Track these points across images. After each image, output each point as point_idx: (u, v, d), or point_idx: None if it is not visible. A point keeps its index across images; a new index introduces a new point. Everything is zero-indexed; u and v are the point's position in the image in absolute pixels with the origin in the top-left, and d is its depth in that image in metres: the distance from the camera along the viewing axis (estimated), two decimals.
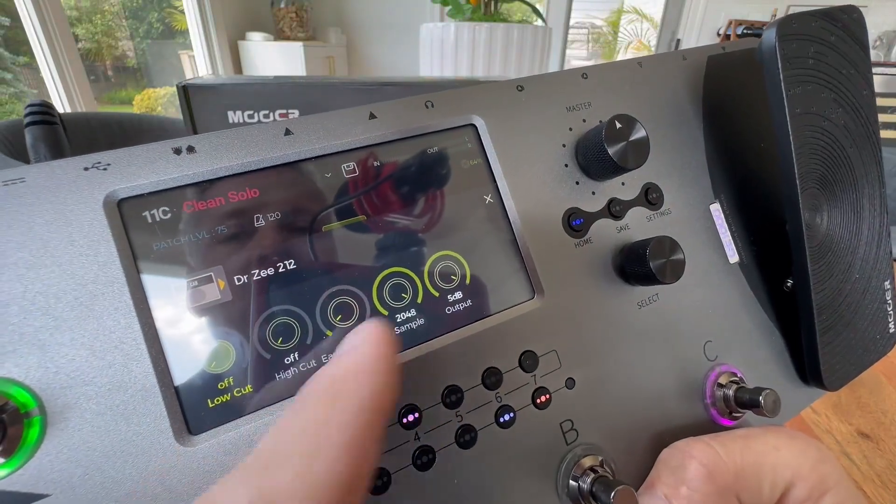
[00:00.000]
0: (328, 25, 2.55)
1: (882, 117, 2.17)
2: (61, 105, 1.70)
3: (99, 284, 0.15)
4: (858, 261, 0.24)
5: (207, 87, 0.43)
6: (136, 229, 0.16)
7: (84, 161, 0.16)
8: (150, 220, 0.16)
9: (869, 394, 0.43)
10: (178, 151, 0.17)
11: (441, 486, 0.17)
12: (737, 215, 0.25)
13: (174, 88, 0.44)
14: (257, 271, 0.17)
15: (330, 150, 0.19)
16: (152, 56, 2.42)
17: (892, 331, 0.26)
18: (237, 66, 2.39)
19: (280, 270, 0.17)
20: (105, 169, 0.16)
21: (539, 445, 0.19)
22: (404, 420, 0.17)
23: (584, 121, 0.23)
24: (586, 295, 0.21)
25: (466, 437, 0.18)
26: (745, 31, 2.88)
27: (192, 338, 0.16)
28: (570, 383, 0.20)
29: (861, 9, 0.23)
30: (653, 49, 3.65)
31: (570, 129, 0.22)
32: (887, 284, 0.25)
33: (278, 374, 0.17)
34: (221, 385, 0.16)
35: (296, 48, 2.27)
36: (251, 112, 0.44)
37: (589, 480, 0.18)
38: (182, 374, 0.16)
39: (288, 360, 0.17)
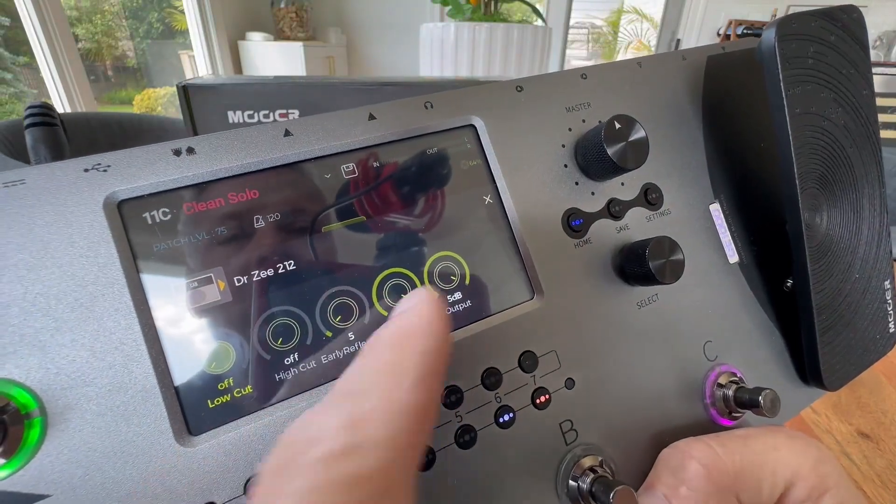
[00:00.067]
0: (328, 25, 2.55)
1: (882, 117, 2.17)
2: (61, 105, 1.70)
3: (99, 286, 0.15)
4: (858, 261, 0.24)
5: (207, 87, 0.43)
6: (137, 230, 0.16)
7: (84, 163, 0.16)
8: (150, 222, 0.16)
9: (869, 394, 0.43)
10: (177, 153, 0.17)
11: (440, 487, 0.17)
12: (736, 215, 0.25)
13: (174, 88, 0.44)
14: (257, 272, 0.17)
15: (329, 150, 0.19)
16: (152, 56, 2.43)
17: (891, 330, 0.26)
18: (237, 66, 2.39)
19: (280, 271, 0.17)
20: (105, 170, 0.16)
21: (539, 446, 0.19)
22: None
23: (584, 121, 0.23)
24: (586, 295, 0.21)
25: (466, 437, 0.18)
26: (745, 31, 2.88)
27: (193, 338, 0.16)
28: (570, 383, 0.20)
29: (861, 9, 0.23)
30: (653, 49, 3.65)
31: (570, 130, 0.22)
32: (887, 284, 0.25)
33: (278, 374, 0.17)
34: (221, 386, 0.16)
35: (296, 48, 2.27)
36: (251, 112, 0.44)
37: (588, 480, 0.18)
38: (182, 374, 0.16)
39: (288, 361, 0.17)
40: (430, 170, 0.20)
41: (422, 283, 0.19)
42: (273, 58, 2.33)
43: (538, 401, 0.19)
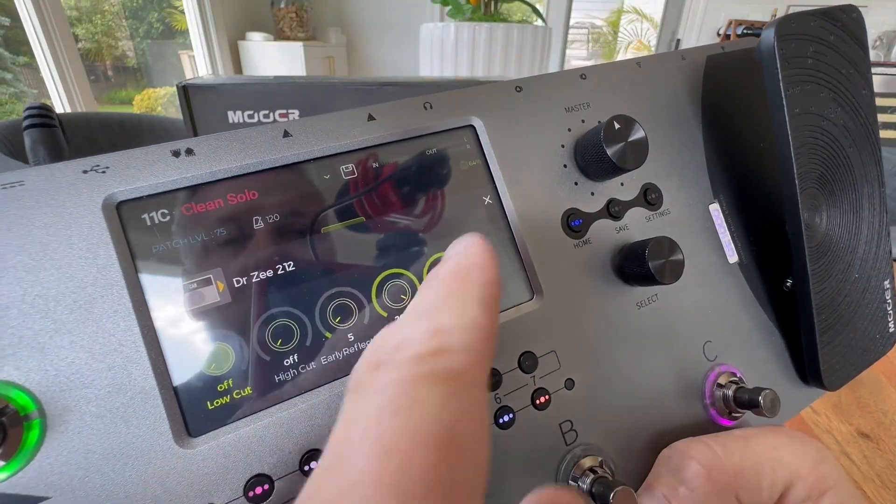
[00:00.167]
0: (328, 25, 2.55)
1: (882, 117, 2.17)
2: (61, 105, 1.70)
3: (98, 287, 0.15)
4: (858, 260, 0.24)
5: (207, 87, 0.43)
6: (135, 232, 0.16)
7: (83, 164, 0.16)
8: (148, 223, 0.16)
9: (869, 394, 0.43)
10: (176, 154, 0.17)
11: None
12: (736, 215, 0.25)
13: (174, 88, 0.44)
14: (256, 273, 0.17)
15: (329, 151, 0.19)
16: (152, 56, 2.43)
17: (891, 330, 0.26)
18: (237, 66, 2.39)
19: (279, 272, 0.17)
20: (104, 172, 0.16)
21: (538, 446, 0.19)
22: None
23: (583, 121, 0.23)
24: (585, 295, 0.21)
25: None
26: (744, 31, 2.88)
27: (192, 340, 0.16)
28: (570, 384, 0.20)
29: (861, 9, 0.23)
30: (653, 49, 3.65)
31: (569, 130, 0.22)
32: (887, 284, 0.25)
33: (278, 375, 0.17)
34: (221, 387, 0.16)
35: (296, 48, 2.27)
36: (251, 112, 0.44)
37: (588, 481, 0.18)
38: (181, 376, 0.16)
39: (287, 362, 0.17)
40: (429, 170, 0.20)
41: (421, 283, 0.19)
42: (273, 58, 2.33)
43: (538, 401, 0.19)
